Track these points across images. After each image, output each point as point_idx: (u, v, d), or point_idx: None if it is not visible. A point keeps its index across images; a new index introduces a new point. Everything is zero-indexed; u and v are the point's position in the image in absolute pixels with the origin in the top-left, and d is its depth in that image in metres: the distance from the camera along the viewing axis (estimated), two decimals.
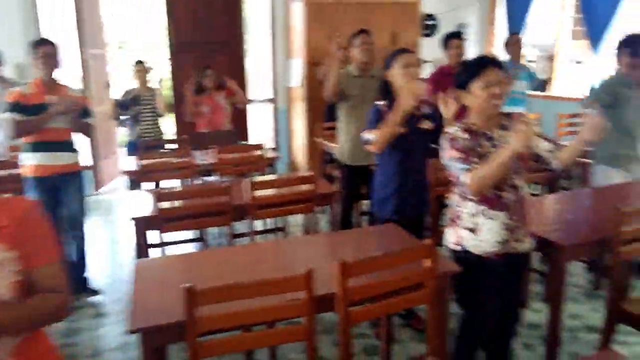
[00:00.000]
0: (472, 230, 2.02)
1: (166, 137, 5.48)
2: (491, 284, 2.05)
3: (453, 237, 2.09)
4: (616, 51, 3.27)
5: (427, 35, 6.48)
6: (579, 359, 1.46)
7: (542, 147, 2.03)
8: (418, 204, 2.72)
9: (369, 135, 2.54)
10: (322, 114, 5.22)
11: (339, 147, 3.56)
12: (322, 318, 1.89)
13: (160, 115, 5.10)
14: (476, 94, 1.95)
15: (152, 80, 5.16)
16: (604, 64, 5.51)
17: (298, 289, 1.67)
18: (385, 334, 2.66)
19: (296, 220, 4.29)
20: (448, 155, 1.98)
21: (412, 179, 2.65)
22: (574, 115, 5.08)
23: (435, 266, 1.86)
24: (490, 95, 1.91)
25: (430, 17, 6.57)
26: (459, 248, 2.06)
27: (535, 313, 3.00)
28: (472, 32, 6.81)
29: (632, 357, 2.55)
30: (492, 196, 1.97)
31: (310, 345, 1.70)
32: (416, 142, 2.59)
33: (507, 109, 4.26)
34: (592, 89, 3.34)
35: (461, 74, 2.02)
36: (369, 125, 2.56)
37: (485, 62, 1.95)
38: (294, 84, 5.86)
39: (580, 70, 6.24)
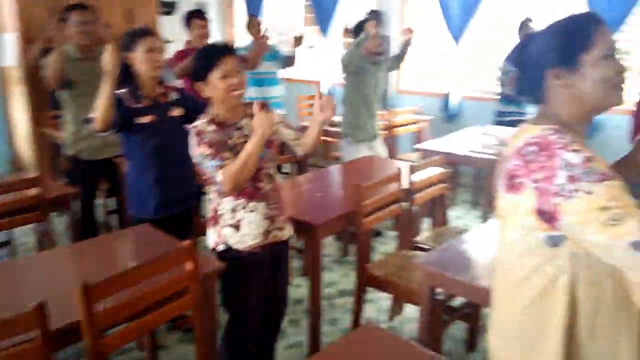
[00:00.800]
0: (234, 226, 1.93)
1: None
2: (257, 278, 2.02)
3: (215, 236, 1.98)
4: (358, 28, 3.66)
5: (167, 13, 6.13)
6: (341, 340, 1.51)
7: (287, 135, 2.07)
8: (184, 198, 2.52)
9: (93, 113, 2.29)
10: (47, 99, 4.45)
11: (68, 140, 3.08)
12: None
13: None
14: (215, 85, 1.85)
15: None
16: (332, 48, 6.10)
17: (28, 329, 1.33)
18: (149, 343, 2.43)
19: (27, 231, 3.58)
20: (197, 152, 1.85)
21: (173, 171, 2.44)
22: (313, 97, 5.50)
23: (197, 268, 1.73)
24: (230, 85, 1.84)
25: None
26: (222, 247, 1.96)
27: (297, 288, 3.16)
28: (212, 12, 6.72)
29: (378, 311, 2.90)
30: (249, 188, 1.92)
31: None
32: (169, 131, 2.39)
33: (261, 90, 4.39)
34: (342, 59, 3.66)
35: (196, 64, 1.89)
36: (115, 115, 2.26)
37: (221, 51, 1.86)
38: (8, 64, 4.86)
39: (313, 54, 6.78)
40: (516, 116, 4.25)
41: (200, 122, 1.88)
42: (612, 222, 1.00)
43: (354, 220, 2.38)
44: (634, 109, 2.53)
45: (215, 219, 1.97)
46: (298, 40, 4.40)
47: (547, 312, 1.16)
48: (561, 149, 1.07)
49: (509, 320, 1.27)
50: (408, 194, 2.66)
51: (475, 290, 1.80)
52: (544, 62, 1.15)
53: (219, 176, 1.79)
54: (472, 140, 3.80)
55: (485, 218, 3.64)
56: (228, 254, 1.94)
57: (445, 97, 5.04)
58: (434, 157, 2.89)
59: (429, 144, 3.86)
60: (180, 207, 2.49)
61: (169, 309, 1.70)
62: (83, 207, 3.05)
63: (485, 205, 3.71)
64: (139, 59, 2.31)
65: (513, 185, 1.16)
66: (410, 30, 3.74)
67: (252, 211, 1.93)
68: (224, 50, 1.88)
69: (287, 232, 2.07)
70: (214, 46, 1.94)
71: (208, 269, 1.87)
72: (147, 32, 2.36)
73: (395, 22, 5.44)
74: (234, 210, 1.92)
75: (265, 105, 1.99)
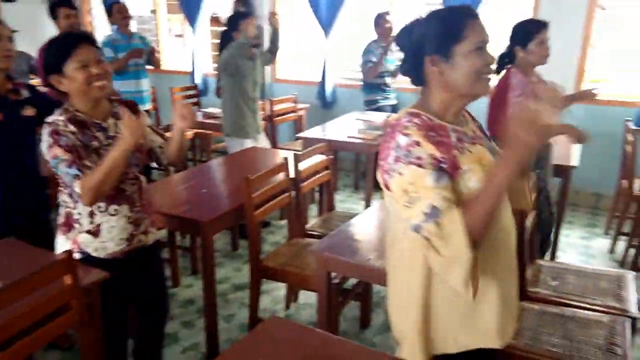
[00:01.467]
0: (92, 232, 1.78)
1: None
2: (121, 286, 1.87)
3: (68, 244, 1.80)
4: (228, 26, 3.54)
5: (9, 0, 5.45)
6: (246, 340, 1.48)
7: (155, 141, 1.96)
8: (33, 207, 2.28)
9: None
10: None
11: None
12: None
13: None
14: (73, 76, 1.68)
15: None
16: (202, 37, 5.91)
17: None
18: None
19: None
20: (52, 154, 1.66)
21: (21, 178, 2.19)
22: (187, 88, 5.29)
23: (77, 282, 1.57)
24: (90, 76, 1.68)
25: None
26: (78, 256, 1.78)
27: (188, 288, 3.04)
28: None
29: (273, 302, 2.90)
30: (111, 191, 1.76)
31: None
32: (19, 133, 2.14)
33: (129, 83, 4.10)
34: (220, 60, 3.53)
35: (49, 55, 1.71)
36: None
37: (77, 39, 1.70)
38: None
39: (181, 43, 6.50)
40: (382, 102, 4.50)
41: (57, 119, 1.69)
42: (407, 204, 1.15)
43: (244, 213, 2.34)
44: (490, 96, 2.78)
45: (69, 225, 1.80)
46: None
47: (410, 272, 1.29)
48: (398, 131, 1.18)
49: (390, 278, 1.40)
50: (295, 182, 2.68)
51: (368, 270, 1.88)
52: (423, 48, 1.22)
53: (77, 188, 1.64)
54: (349, 126, 3.95)
55: (368, 200, 3.81)
56: (86, 263, 1.77)
57: (321, 85, 5.15)
58: (317, 145, 2.94)
59: (310, 132, 3.93)
60: (29, 219, 2.26)
61: (48, 329, 1.53)
62: None
63: (367, 187, 3.88)
64: None
65: (377, 162, 1.26)
66: (274, 15, 3.71)
67: (113, 215, 1.79)
68: (81, 37, 1.71)
69: (153, 236, 1.95)
70: (68, 34, 1.78)
71: (88, 280, 1.71)
72: None
73: (267, 11, 5.41)
74: (92, 214, 1.77)
75: (135, 108, 1.86)
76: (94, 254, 1.79)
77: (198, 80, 5.84)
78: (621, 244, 3.39)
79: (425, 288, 1.26)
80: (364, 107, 4.58)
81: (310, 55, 5.66)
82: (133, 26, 4.46)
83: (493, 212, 1.11)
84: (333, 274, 2.12)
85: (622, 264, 3.25)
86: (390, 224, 1.38)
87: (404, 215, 1.17)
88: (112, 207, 1.78)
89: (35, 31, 3.85)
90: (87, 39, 1.72)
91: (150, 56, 4.27)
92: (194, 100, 5.29)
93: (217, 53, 4.33)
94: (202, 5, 5.63)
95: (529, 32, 2.62)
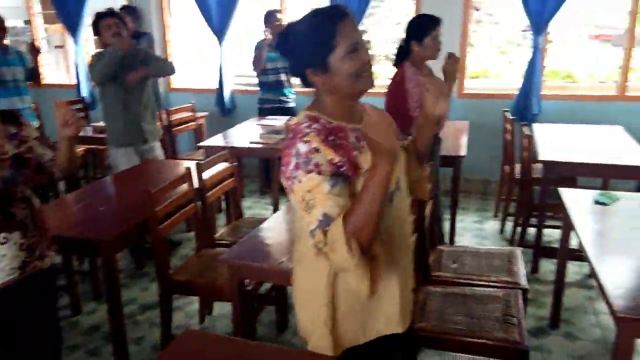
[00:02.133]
0: None
1: None
2: (15, 316, 1.72)
3: None
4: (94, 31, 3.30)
5: None
6: (160, 358, 1.42)
7: (44, 155, 1.82)
8: None
9: None
10: None
11: None
12: None
13: None
14: None
15: None
16: (85, 47, 5.56)
17: None
18: None
19: None
20: None
21: None
22: (72, 102, 4.95)
23: None
24: None
25: None
26: None
27: (90, 315, 2.84)
28: None
29: (186, 317, 2.79)
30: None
31: None
32: None
33: (11, 100, 3.74)
34: (91, 66, 3.27)
35: None
36: None
37: None
38: None
39: (61, 54, 6.08)
40: (276, 103, 4.54)
41: None
42: (305, 210, 1.19)
43: (148, 228, 2.24)
44: (386, 91, 2.90)
45: None
46: (35, 51, 3.90)
47: (314, 270, 1.32)
48: (299, 138, 1.20)
49: (294, 274, 1.42)
50: (200, 192, 2.61)
51: (281, 273, 1.88)
52: (300, 62, 1.25)
53: None
54: (250, 132, 3.93)
55: (275, 205, 3.81)
56: None
57: (219, 92, 5.07)
58: (219, 153, 2.89)
59: (211, 140, 3.85)
60: None
61: None
62: None
63: (273, 192, 3.89)
64: None
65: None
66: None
67: (3, 243, 1.65)
68: None
69: (49, 260, 1.82)
70: None
71: None
72: None
73: (155, 18, 5.23)
74: None
75: (17, 120, 1.72)
76: None
77: (85, 93, 5.49)
78: (509, 224, 3.71)
79: (329, 285, 1.29)
80: (258, 107, 4.60)
81: (206, 63, 5.55)
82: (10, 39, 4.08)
83: (374, 217, 1.13)
84: (246, 281, 2.10)
85: (511, 242, 3.55)
86: (295, 222, 1.40)
87: (304, 220, 1.19)
88: (1, 236, 1.63)
89: None
90: None
91: (32, 72, 3.95)
92: (82, 114, 4.96)
93: None
94: (83, 13, 5.30)
95: (425, 27, 2.77)
